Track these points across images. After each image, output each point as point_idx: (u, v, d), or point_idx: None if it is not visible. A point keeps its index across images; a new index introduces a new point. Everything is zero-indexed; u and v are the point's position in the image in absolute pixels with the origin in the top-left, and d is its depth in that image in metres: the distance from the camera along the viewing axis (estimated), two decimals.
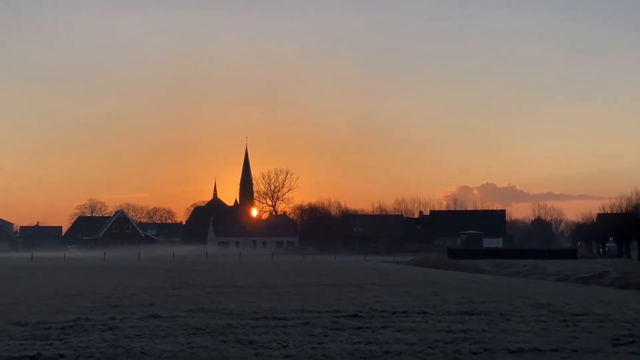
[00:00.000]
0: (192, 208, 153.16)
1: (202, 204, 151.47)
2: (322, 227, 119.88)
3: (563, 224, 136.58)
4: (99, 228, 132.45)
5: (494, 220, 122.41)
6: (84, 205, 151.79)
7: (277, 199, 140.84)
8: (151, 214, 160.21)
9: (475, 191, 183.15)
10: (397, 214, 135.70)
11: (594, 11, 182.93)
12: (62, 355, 9.75)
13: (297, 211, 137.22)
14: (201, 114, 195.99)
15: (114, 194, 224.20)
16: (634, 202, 64.57)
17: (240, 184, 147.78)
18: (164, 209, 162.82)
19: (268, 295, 19.79)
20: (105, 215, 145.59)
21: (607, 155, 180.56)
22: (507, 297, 19.24)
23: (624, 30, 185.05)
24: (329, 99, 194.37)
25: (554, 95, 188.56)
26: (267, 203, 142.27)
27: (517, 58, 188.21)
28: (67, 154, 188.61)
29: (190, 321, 13.29)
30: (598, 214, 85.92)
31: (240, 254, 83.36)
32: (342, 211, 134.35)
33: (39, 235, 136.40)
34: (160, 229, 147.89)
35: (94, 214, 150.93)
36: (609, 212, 76.80)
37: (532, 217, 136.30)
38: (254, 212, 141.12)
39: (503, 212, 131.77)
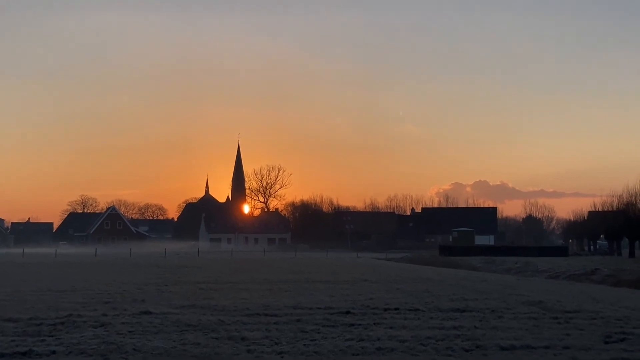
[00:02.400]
0: (184, 204, 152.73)
1: (194, 201, 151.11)
2: (314, 224, 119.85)
3: (554, 222, 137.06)
4: (90, 224, 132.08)
5: (485, 217, 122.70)
6: (75, 201, 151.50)
7: (269, 196, 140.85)
8: (143, 210, 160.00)
9: (468, 188, 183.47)
10: (389, 210, 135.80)
11: (590, 10, 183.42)
12: (54, 352, 9.72)
13: (289, 208, 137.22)
14: (193, 111, 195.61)
15: (106, 190, 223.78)
16: (625, 199, 64.69)
17: (232, 181, 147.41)
18: (155, 206, 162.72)
19: (260, 292, 19.79)
20: (97, 212, 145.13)
21: (599, 153, 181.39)
22: (498, 294, 19.30)
23: (619, 29, 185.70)
24: (322, 96, 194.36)
25: (548, 93, 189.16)
26: (259, 200, 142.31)
27: (512, 56, 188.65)
28: (59, 150, 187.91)
29: (182, 318, 13.28)
30: (589, 211, 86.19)
31: (232, 250, 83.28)
32: (334, 208, 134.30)
33: (30, 232, 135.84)
34: (152, 226, 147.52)
35: (85, 210, 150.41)
36: (600, 209, 77.08)
37: (523, 215, 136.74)
38: (246, 209, 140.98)
39: (495, 209, 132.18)
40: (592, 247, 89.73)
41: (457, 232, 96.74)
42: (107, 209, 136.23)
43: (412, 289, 21.06)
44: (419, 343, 10.48)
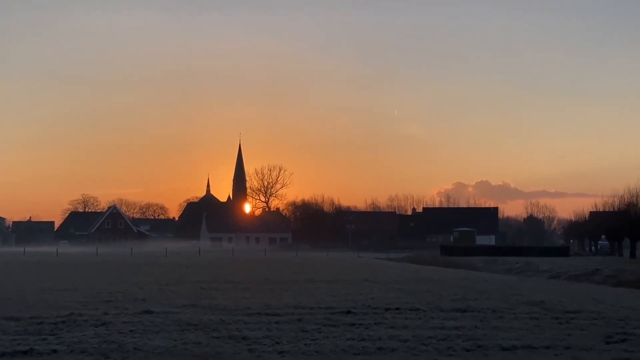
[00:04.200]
0: (185, 204, 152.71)
1: (195, 200, 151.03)
2: (315, 224, 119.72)
3: (555, 222, 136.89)
4: (91, 223, 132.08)
5: (487, 217, 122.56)
6: (76, 200, 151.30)
7: (270, 195, 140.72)
8: (144, 209, 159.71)
9: (470, 188, 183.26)
10: (390, 210, 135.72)
11: (592, 10, 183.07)
12: (55, 351, 9.73)
13: (290, 207, 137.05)
14: (195, 110, 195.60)
15: (107, 189, 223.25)
16: (626, 200, 64.61)
17: (233, 180, 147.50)
18: (156, 205, 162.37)
19: (261, 292, 19.80)
20: (98, 211, 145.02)
21: (602, 154, 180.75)
22: (500, 295, 19.30)
23: (622, 30, 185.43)
24: (323, 95, 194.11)
25: (551, 93, 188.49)
26: (260, 199, 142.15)
27: (514, 56, 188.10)
28: (60, 149, 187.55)
29: (183, 317, 13.29)
30: (590, 211, 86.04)
31: (233, 250, 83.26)
32: (335, 208, 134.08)
33: (31, 231, 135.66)
34: (153, 225, 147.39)
35: (86, 209, 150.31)
36: (601, 209, 76.98)
37: (525, 215, 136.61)
38: (247, 208, 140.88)
39: (496, 209, 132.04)
40: (593, 247, 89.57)
41: (458, 232, 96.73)
42: (109, 208, 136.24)
43: (413, 289, 21.06)
44: (420, 343, 10.48)
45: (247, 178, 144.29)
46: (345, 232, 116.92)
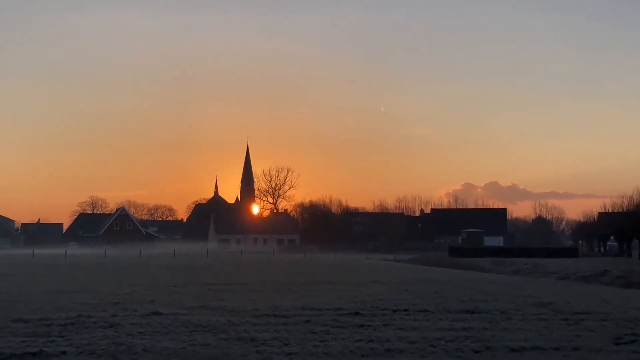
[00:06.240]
0: (193, 205, 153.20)
1: (203, 202, 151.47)
2: (323, 225, 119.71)
3: (564, 223, 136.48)
4: (100, 225, 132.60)
5: (495, 218, 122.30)
6: (85, 202, 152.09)
7: (278, 197, 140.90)
8: (152, 211, 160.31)
9: (479, 189, 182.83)
10: (398, 211, 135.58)
11: (596, 11, 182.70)
12: (64, 352, 9.76)
13: (298, 209, 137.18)
14: (203, 111, 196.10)
15: (115, 191, 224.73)
16: (635, 200, 64.54)
17: (241, 182, 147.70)
18: (165, 206, 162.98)
19: (269, 293, 19.80)
20: (106, 213, 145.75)
21: (611, 154, 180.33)
22: (508, 296, 19.25)
23: (627, 30, 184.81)
24: (331, 96, 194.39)
25: (559, 94, 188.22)
26: (268, 201, 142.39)
27: (522, 57, 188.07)
28: (68, 151, 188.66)
29: (191, 318, 13.31)
30: (599, 212, 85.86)
31: (241, 251, 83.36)
32: (343, 209, 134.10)
33: (40, 232, 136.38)
34: (161, 226, 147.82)
35: (95, 211, 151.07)
36: (610, 210, 76.77)
37: (533, 216, 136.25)
38: (255, 210, 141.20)
39: (504, 210, 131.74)
40: (601, 248, 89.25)
41: (467, 233, 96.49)
42: (117, 209, 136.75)
43: (421, 290, 21.03)
44: (429, 344, 10.46)
45: (255, 179, 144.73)
46: (353, 233, 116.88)
